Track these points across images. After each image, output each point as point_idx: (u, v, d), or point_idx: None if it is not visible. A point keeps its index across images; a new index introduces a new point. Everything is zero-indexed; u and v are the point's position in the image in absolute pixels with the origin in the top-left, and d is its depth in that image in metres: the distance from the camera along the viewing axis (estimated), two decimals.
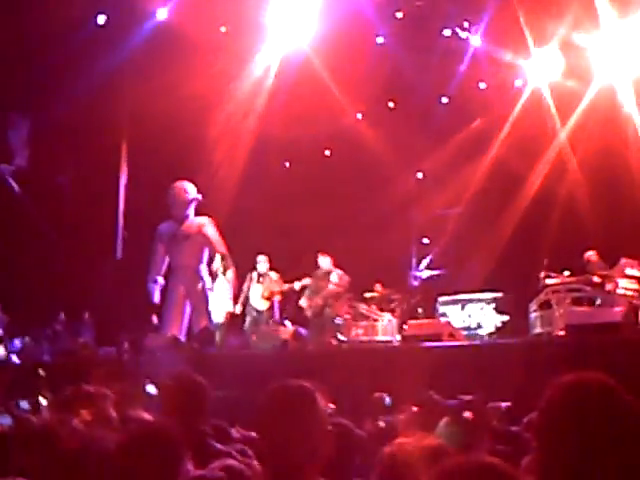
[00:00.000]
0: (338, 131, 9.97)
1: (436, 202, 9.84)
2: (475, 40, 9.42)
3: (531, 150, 9.28)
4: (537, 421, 1.54)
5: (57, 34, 8.34)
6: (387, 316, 7.97)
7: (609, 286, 7.32)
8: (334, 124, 9.83)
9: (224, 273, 7.77)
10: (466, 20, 9.39)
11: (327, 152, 10.65)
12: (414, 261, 9.69)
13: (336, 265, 8.01)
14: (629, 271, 7.30)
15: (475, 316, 8.11)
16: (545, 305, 7.49)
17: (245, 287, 7.93)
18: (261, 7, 9.28)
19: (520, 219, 9.23)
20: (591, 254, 7.77)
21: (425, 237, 9.87)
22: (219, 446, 3.20)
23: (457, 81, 9.68)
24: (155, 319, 7.80)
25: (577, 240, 8.14)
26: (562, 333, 6.60)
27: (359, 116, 10.27)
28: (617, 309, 6.56)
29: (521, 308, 7.70)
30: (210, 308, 7.82)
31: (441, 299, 8.50)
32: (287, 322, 8.17)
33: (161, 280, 8.02)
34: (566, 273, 7.74)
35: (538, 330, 7.29)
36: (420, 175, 10.23)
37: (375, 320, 7.89)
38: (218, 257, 7.83)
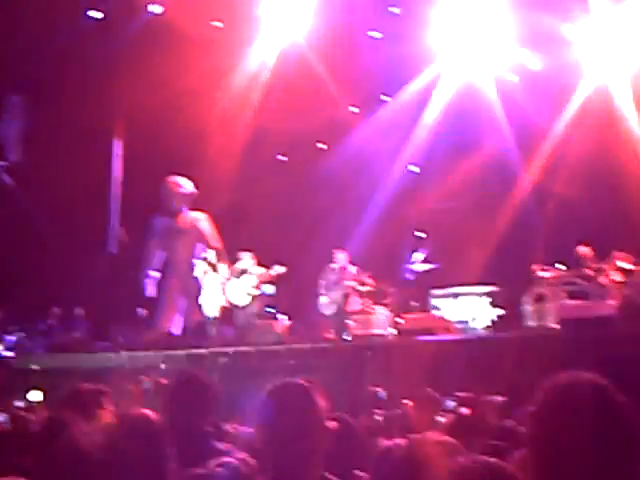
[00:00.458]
0: (332, 124, 9.96)
1: (431, 195, 9.85)
2: None
3: (525, 144, 9.30)
4: (530, 422, 1.55)
5: (50, 29, 8.30)
6: (381, 310, 7.99)
7: (602, 279, 7.36)
8: (328, 117, 9.81)
9: (218, 268, 7.77)
10: None
11: (321, 145, 10.63)
12: (408, 254, 9.70)
13: (351, 262, 8.10)
14: (621, 264, 7.34)
15: (469, 309, 8.14)
16: (538, 298, 7.52)
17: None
18: (256, 0, 9.25)
19: (514, 213, 9.26)
20: (584, 248, 7.81)
21: (419, 230, 9.88)
22: (219, 445, 3.21)
23: None
24: (144, 313, 7.77)
25: (570, 234, 8.18)
26: (556, 326, 6.63)
27: (354, 110, 10.26)
28: (610, 302, 6.60)
29: (515, 302, 7.73)
30: (204, 302, 7.82)
31: (434, 292, 8.53)
32: (281, 316, 8.18)
33: (155, 274, 8.00)
34: (559, 267, 7.78)
35: (531, 323, 7.33)
36: (415, 169, 10.23)
37: (369, 314, 7.90)
38: (212, 252, 7.82)
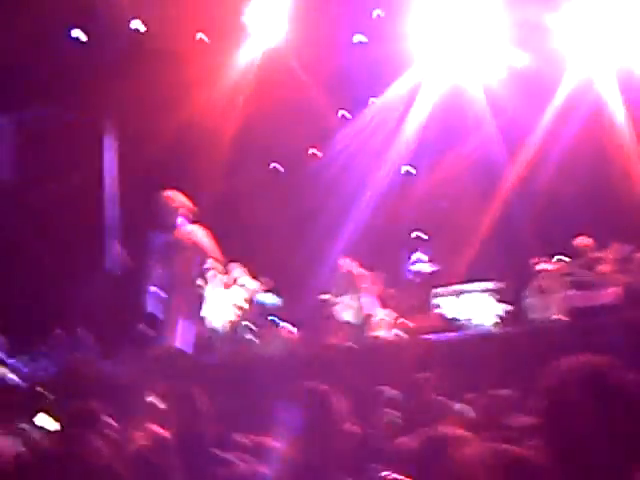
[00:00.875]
0: (322, 130, 9.99)
1: (427, 194, 9.87)
2: None
3: (513, 139, 9.34)
4: (541, 405, 1.55)
5: (35, 45, 8.30)
6: (382, 311, 8.00)
7: (602, 268, 7.38)
8: (317, 123, 9.85)
9: (219, 280, 7.75)
10: None
11: (313, 151, 10.65)
12: (407, 255, 9.70)
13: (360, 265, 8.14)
14: (619, 253, 7.37)
15: (472, 307, 8.14)
16: (540, 291, 7.53)
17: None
18: (240, 9, 9.29)
19: (506, 208, 9.29)
20: (582, 239, 7.83)
21: (418, 230, 9.89)
22: (222, 454, 3.19)
23: None
24: (145, 329, 7.75)
25: (564, 227, 8.22)
26: (560, 317, 6.63)
27: (345, 114, 10.28)
28: (612, 290, 6.61)
29: (517, 295, 7.74)
30: (206, 316, 7.79)
31: (436, 291, 8.53)
32: (285, 324, 8.16)
33: (155, 290, 7.98)
34: (559, 258, 7.80)
35: (533, 316, 7.33)
36: (411, 169, 10.24)
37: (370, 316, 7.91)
38: (212, 264, 7.80)
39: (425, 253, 9.23)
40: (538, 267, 7.78)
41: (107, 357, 7.56)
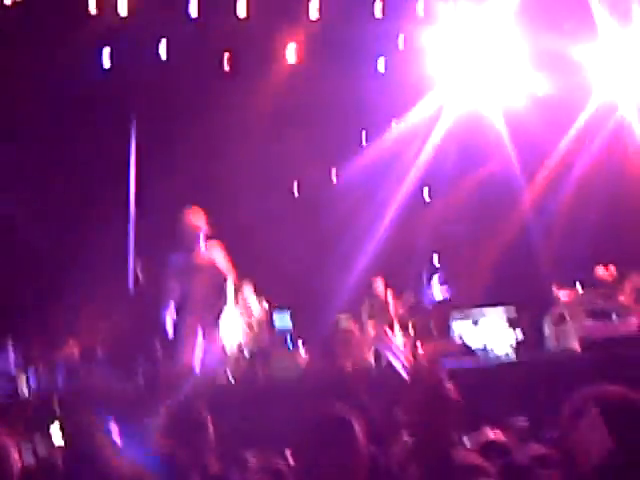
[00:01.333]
0: (342, 153, 10.06)
1: (443, 218, 9.86)
2: None
3: (533, 164, 9.32)
4: (557, 435, 1.53)
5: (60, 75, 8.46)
6: (399, 339, 7.98)
7: (622, 299, 7.29)
8: (337, 146, 9.92)
9: (235, 301, 7.77)
10: None
11: (334, 175, 10.71)
12: (425, 280, 9.67)
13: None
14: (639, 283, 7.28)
15: (489, 332, 8.07)
16: (559, 320, 7.45)
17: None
18: None
19: (525, 234, 9.24)
20: (602, 268, 7.76)
21: (435, 253, 9.87)
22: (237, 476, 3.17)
23: None
24: (161, 349, 7.77)
25: (584, 253, 8.15)
26: (578, 348, 6.54)
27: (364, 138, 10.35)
28: (633, 321, 6.51)
29: (535, 324, 7.66)
30: (223, 337, 7.79)
31: (454, 316, 8.47)
32: (299, 346, 8.14)
33: (173, 311, 8.01)
34: (578, 287, 7.72)
35: (553, 345, 7.23)
36: (426, 191, 10.26)
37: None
38: (229, 285, 7.82)
39: (442, 276, 9.20)
40: (558, 295, 7.71)
41: (121, 374, 7.58)
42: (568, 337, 7.05)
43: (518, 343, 7.78)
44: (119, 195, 9.65)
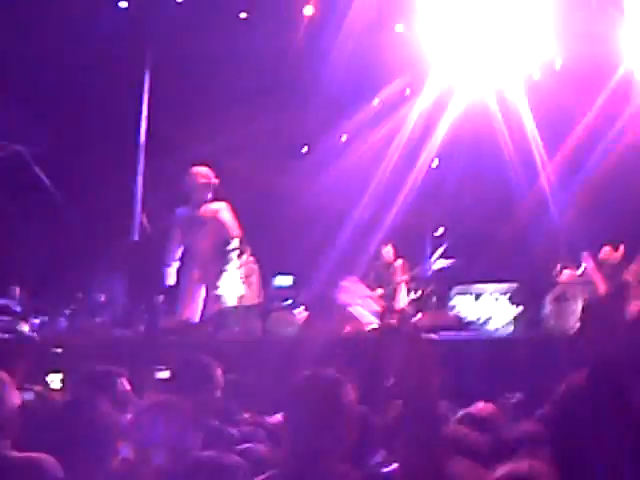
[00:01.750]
0: (360, 122, 9.99)
1: (451, 190, 9.81)
2: None
3: (549, 139, 9.21)
4: (550, 413, 1.54)
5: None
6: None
7: (626, 278, 7.27)
8: (352, 109, 9.84)
9: (239, 256, 7.80)
10: None
11: (343, 138, 10.63)
12: (427, 251, 9.69)
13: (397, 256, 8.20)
14: None
15: (489, 307, 8.10)
16: (560, 298, 7.46)
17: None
18: None
19: (535, 211, 9.18)
20: (609, 249, 7.73)
21: (439, 227, 9.85)
22: (233, 431, 3.23)
23: None
24: (162, 300, 7.84)
25: (602, 234, 8.11)
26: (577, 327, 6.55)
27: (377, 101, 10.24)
28: (634, 303, 6.51)
29: (536, 300, 7.68)
30: (224, 291, 7.85)
31: (454, 289, 8.50)
32: (299, 308, 8.20)
33: (176, 264, 8.06)
34: (582, 266, 7.71)
35: (552, 324, 7.26)
36: (434, 164, 10.19)
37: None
38: (233, 241, 7.85)
39: (445, 249, 9.21)
40: (560, 273, 7.71)
41: (124, 325, 7.67)
42: (568, 317, 7.07)
43: (515, 318, 7.81)
44: (128, 144, 9.63)
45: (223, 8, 9.05)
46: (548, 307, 7.43)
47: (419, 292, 8.80)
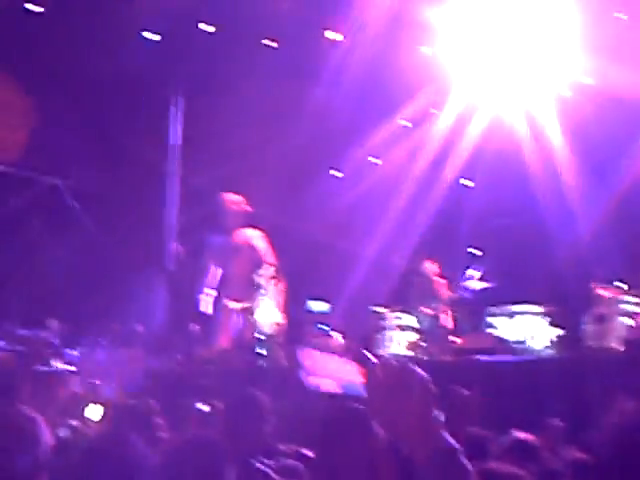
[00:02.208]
0: (385, 140, 9.98)
1: (487, 212, 9.72)
2: None
3: (582, 153, 9.08)
4: (603, 441, 1.49)
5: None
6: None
7: None
8: (377, 133, 9.85)
9: (274, 285, 7.80)
10: None
11: (376, 161, 10.63)
12: (462, 272, 9.59)
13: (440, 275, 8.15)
14: None
15: (526, 329, 7.97)
16: (599, 318, 7.31)
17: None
18: None
19: (571, 230, 9.04)
20: None
21: (475, 248, 9.75)
22: (270, 463, 3.20)
23: None
24: (197, 329, 7.87)
25: (629, 251, 7.95)
26: (618, 347, 6.42)
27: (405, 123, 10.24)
28: None
29: (575, 321, 7.53)
30: (260, 319, 7.85)
31: (490, 310, 8.39)
32: (335, 334, 8.13)
33: (211, 292, 8.09)
34: (620, 285, 7.54)
35: (592, 344, 7.11)
36: (470, 183, 10.12)
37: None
38: (267, 269, 7.86)
39: (481, 270, 9.10)
40: (599, 293, 7.54)
41: (158, 354, 7.71)
42: (608, 336, 6.92)
43: (557, 339, 7.66)
44: (158, 172, 9.77)
45: (248, 33, 9.15)
46: (588, 327, 7.28)
47: (456, 313, 8.68)
